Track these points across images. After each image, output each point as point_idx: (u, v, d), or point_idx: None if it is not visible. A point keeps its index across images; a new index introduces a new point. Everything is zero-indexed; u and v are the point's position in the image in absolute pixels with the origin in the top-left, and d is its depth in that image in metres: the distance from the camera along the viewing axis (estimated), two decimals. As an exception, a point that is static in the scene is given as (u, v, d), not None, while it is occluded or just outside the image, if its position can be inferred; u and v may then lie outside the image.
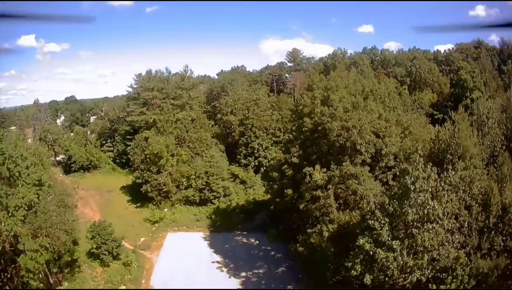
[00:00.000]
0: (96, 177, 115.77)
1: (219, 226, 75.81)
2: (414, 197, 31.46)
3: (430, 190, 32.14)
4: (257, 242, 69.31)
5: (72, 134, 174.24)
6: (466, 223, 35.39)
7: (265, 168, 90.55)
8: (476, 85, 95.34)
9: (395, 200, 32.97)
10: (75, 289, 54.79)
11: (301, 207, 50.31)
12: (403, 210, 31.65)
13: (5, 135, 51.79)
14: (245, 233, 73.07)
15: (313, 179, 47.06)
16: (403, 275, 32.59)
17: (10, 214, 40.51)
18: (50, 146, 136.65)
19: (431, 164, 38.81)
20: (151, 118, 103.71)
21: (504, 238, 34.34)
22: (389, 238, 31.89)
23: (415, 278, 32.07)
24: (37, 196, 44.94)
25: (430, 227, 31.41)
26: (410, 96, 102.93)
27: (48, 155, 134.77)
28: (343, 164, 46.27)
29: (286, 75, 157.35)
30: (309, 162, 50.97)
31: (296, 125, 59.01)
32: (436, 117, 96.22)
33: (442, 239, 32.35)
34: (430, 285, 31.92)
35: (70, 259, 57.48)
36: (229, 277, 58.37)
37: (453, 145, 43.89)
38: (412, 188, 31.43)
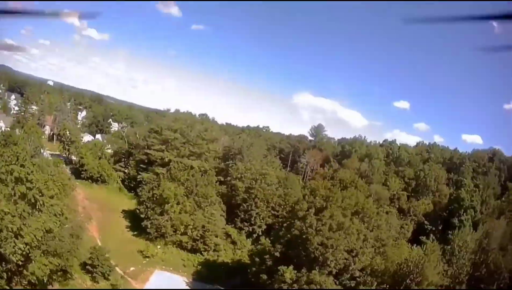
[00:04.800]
0: (102, 192, 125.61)
1: (201, 275, 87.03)
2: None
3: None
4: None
5: (90, 137, 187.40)
6: None
7: (256, 235, 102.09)
8: (473, 204, 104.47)
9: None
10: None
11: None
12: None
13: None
14: (222, 289, 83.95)
15: (284, 276, 59.09)
16: None
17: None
18: (66, 146, 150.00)
19: (387, 285, 51.14)
20: (167, 157, 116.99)
21: None
22: None
23: None
24: (56, 225, 58.40)
25: None
26: (406, 202, 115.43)
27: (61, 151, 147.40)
28: (312, 271, 58.27)
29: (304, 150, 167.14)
30: (287, 257, 63.45)
31: (288, 223, 71.86)
32: (426, 227, 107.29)
33: None
34: None
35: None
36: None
37: (414, 273, 55.44)
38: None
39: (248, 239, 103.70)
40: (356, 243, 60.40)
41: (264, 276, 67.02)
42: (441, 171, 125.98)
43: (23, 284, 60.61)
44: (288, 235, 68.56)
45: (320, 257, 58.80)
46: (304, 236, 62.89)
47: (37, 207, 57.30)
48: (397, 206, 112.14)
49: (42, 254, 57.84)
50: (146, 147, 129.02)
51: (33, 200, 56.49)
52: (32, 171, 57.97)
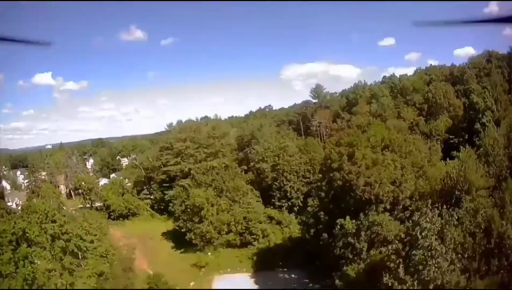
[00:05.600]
0: (136, 225, 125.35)
1: (261, 265, 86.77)
2: (421, 243, 42.60)
3: (435, 231, 43.12)
4: (296, 277, 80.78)
5: (106, 180, 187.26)
6: (470, 249, 44.53)
7: (297, 207, 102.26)
8: (487, 104, 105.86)
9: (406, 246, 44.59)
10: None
11: (335, 252, 62.03)
12: (412, 253, 42.99)
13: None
14: (285, 269, 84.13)
15: (345, 228, 58.92)
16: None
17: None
18: (86, 196, 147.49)
19: (439, 203, 49.99)
20: (186, 167, 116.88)
21: (499, 260, 43.01)
22: (403, 274, 42.90)
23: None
24: (106, 265, 58.16)
25: (434, 262, 42.05)
26: (426, 125, 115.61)
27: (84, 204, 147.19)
28: (370, 214, 58.05)
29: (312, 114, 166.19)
30: (340, 211, 63.50)
31: (327, 179, 71.68)
32: (452, 141, 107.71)
33: (445, 270, 42.75)
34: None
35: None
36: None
37: (460, 182, 54.44)
38: (419, 237, 42.62)
39: (290, 214, 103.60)
40: (396, 172, 60.37)
41: (326, 236, 67.29)
42: (447, 86, 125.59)
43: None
44: (332, 190, 68.76)
45: (372, 196, 58.68)
46: (347, 184, 62.87)
47: (80, 256, 57.38)
48: (418, 132, 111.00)
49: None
50: (162, 166, 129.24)
51: (76, 250, 56.63)
52: (65, 222, 57.97)
